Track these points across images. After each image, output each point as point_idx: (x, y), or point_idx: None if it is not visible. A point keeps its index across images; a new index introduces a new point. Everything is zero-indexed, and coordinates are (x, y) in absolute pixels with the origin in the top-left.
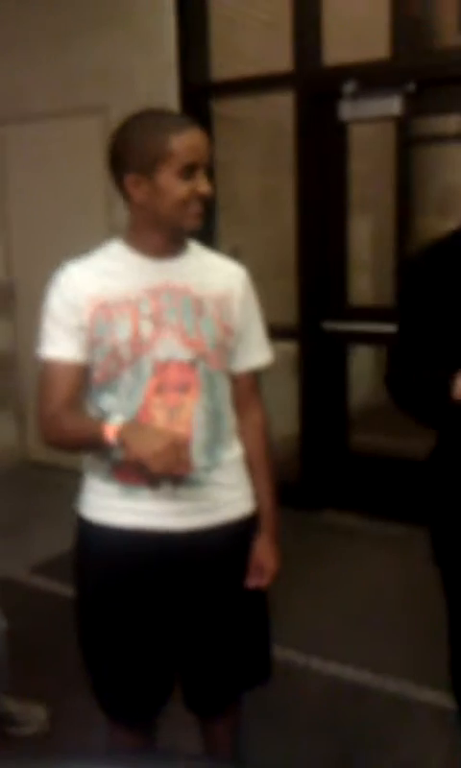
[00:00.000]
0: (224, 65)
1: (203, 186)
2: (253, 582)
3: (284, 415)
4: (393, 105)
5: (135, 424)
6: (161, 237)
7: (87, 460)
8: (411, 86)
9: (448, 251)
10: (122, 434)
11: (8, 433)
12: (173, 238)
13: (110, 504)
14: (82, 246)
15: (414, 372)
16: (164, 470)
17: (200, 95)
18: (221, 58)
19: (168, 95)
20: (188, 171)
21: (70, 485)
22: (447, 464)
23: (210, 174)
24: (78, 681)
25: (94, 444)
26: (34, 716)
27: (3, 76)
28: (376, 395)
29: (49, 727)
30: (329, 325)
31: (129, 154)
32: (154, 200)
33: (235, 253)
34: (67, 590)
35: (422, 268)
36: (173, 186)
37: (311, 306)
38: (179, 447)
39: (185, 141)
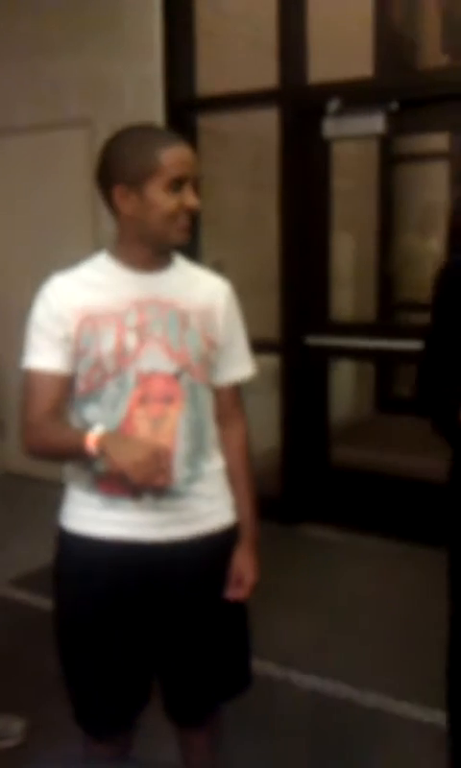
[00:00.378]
0: (209, 81)
1: (190, 200)
2: (231, 594)
3: (266, 429)
4: (376, 123)
5: (117, 435)
6: (148, 250)
7: (69, 471)
8: (394, 105)
9: None
10: (103, 444)
11: None
12: (159, 251)
13: (92, 515)
14: (66, 259)
15: (435, 389)
16: (145, 481)
17: (185, 110)
18: (207, 73)
19: (154, 109)
20: (176, 184)
21: (51, 497)
22: None
23: (196, 188)
24: (55, 693)
25: (76, 454)
26: (12, 730)
27: None
28: (356, 409)
29: (26, 738)
30: (311, 340)
31: (118, 166)
32: (142, 213)
33: (218, 268)
34: (47, 604)
35: (449, 284)
36: (161, 200)
37: (293, 321)
38: (160, 458)
39: (174, 155)
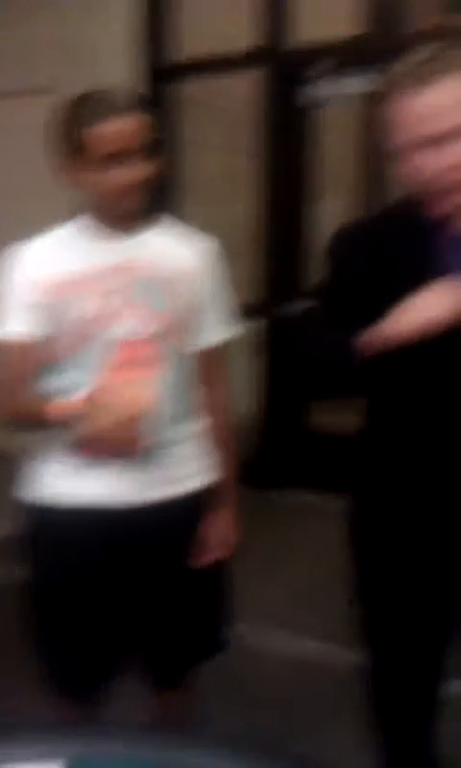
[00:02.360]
0: (188, 44)
1: (124, 176)
2: (211, 555)
3: (244, 394)
4: (362, 86)
5: (97, 398)
6: (110, 217)
7: (41, 437)
8: (381, 67)
9: (371, 230)
10: (84, 407)
11: None
12: (122, 218)
13: (68, 479)
14: (35, 227)
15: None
16: (125, 443)
17: (163, 73)
18: (185, 36)
19: (130, 73)
20: (108, 161)
21: (6, 470)
22: (370, 443)
23: (161, 154)
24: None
25: (52, 421)
26: None
27: None
28: None
29: None
30: (292, 305)
31: (58, 141)
32: (85, 187)
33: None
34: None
35: (342, 245)
36: (92, 178)
37: (275, 287)
38: (136, 421)
39: (100, 132)
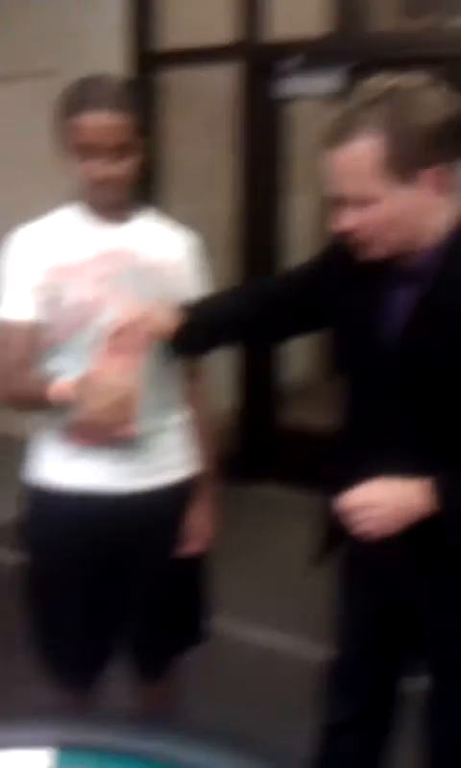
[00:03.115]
0: (174, 35)
1: (96, 171)
2: (189, 548)
3: (220, 388)
4: (334, 82)
5: (89, 381)
6: (95, 205)
7: (38, 422)
8: (352, 65)
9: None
10: (76, 390)
11: None
12: (105, 207)
13: (61, 466)
14: (32, 212)
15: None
16: (115, 426)
17: (148, 63)
18: (170, 26)
19: (117, 61)
20: (84, 152)
21: (13, 453)
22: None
23: (143, 150)
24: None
25: (46, 402)
26: None
27: None
28: (310, 370)
29: None
30: None
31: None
32: (73, 174)
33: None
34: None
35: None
36: (76, 163)
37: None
38: (129, 403)
39: (79, 123)
